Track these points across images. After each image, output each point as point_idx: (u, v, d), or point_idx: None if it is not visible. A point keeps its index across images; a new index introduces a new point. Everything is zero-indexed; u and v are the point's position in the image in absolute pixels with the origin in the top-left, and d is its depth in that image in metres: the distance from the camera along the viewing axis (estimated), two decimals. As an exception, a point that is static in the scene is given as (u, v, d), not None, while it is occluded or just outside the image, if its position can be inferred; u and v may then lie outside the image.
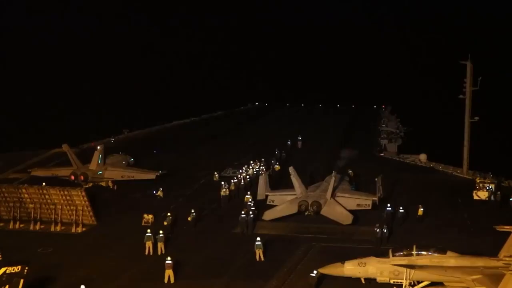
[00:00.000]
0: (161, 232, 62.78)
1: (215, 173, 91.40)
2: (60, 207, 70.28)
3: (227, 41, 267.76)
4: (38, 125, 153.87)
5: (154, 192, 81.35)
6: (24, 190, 71.73)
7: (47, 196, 70.59)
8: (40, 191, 71.06)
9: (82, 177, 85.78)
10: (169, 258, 55.24)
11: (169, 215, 69.82)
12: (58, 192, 70.39)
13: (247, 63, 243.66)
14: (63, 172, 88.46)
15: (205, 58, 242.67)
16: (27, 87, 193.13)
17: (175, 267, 55.15)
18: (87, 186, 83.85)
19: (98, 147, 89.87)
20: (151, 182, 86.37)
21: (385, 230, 63.79)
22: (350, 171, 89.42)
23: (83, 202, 69.90)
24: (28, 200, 71.09)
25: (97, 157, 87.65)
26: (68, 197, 69.99)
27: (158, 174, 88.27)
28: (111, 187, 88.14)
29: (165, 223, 68.04)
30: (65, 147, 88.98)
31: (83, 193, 69.87)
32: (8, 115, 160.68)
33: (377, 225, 64.37)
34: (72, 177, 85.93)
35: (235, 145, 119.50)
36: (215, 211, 77.03)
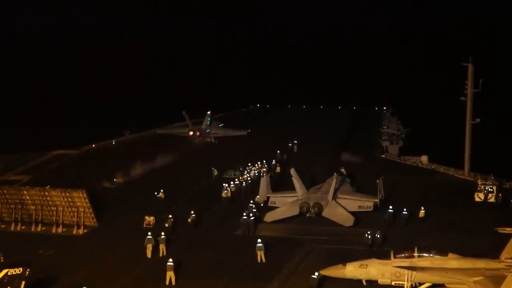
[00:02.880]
0: (162, 233, 62.81)
1: (213, 168, 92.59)
2: (61, 208, 70.31)
3: (227, 42, 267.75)
4: (37, 127, 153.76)
5: (156, 193, 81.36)
6: (25, 192, 71.79)
7: (48, 198, 70.61)
8: (42, 192, 71.08)
9: (198, 132, 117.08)
10: (170, 260, 55.33)
11: (170, 217, 69.79)
12: (59, 194, 70.40)
13: (247, 64, 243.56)
14: (182, 130, 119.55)
15: (205, 58, 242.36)
16: (26, 88, 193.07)
17: (176, 268, 55.21)
18: (197, 140, 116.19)
19: (208, 112, 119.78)
20: (153, 183, 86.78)
21: (377, 236, 63.09)
22: (342, 169, 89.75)
23: (84, 204, 69.86)
24: (30, 201, 71.13)
25: (206, 119, 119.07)
26: (69, 199, 69.98)
27: (249, 131, 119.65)
28: (213, 141, 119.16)
29: (166, 225, 68.00)
30: (184, 114, 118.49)
31: (84, 195, 69.79)
32: (8, 117, 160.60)
33: (368, 232, 63.74)
34: (190, 133, 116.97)
35: (236, 146, 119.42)
36: (216, 212, 77.01)
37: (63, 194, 70.22)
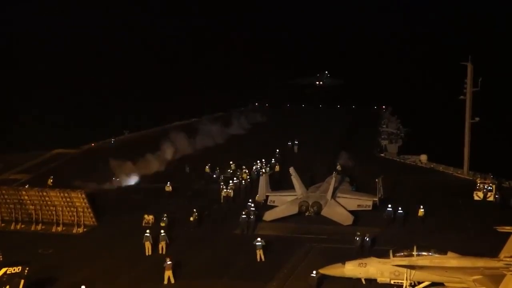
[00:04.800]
0: (162, 231, 62.81)
1: (207, 166, 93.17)
2: (60, 208, 70.16)
3: (227, 42, 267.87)
4: (37, 127, 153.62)
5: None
6: (24, 192, 71.60)
7: (47, 198, 70.39)
8: (40, 193, 70.88)
9: (321, 82, 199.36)
10: (168, 259, 55.25)
11: (165, 216, 69.53)
12: (58, 194, 70.21)
13: (247, 64, 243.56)
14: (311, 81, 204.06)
15: (205, 58, 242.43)
16: (26, 88, 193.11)
17: (175, 267, 55.18)
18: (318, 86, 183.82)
19: (326, 72, 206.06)
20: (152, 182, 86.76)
21: (367, 239, 62.39)
22: (338, 166, 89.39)
23: (83, 204, 69.74)
24: (28, 201, 70.99)
25: (323, 75, 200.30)
26: (68, 199, 69.81)
27: (342, 82, 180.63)
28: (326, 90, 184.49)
29: (162, 224, 67.77)
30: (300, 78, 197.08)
31: (83, 195, 69.65)
32: (8, 117, 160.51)
33: (357, 233, 63.04)
34: (317, 82, 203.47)
35: (235, 146, 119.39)
36: (216, 212, 76.96)
37: (62, 194, 70.04)
